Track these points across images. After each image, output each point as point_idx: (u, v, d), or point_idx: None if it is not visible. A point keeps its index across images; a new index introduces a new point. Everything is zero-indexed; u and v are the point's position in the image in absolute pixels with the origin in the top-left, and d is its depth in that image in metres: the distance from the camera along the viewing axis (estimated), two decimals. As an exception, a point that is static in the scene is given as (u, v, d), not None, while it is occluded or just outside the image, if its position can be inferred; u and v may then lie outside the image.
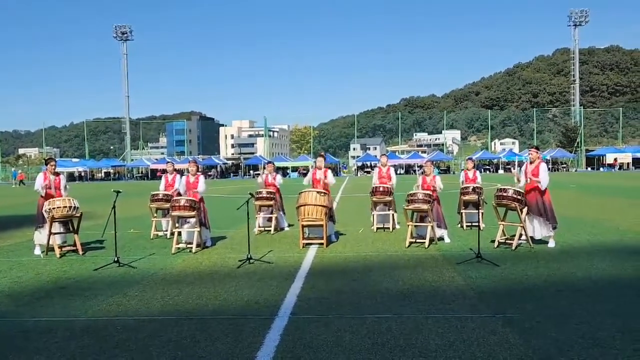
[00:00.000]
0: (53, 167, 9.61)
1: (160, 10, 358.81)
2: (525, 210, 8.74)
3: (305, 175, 12.19)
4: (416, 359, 4.02)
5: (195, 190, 9.68)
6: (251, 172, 67.80)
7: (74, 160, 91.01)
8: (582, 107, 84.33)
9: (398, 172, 59.63)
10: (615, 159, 67.85)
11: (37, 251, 9.29)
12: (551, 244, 8.88)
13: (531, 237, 8.82)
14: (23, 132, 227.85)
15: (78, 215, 9.19)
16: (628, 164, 66.33)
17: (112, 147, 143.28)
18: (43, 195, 9.33)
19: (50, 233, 8.92)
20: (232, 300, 5.89)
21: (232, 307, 5.63)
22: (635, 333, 4.53)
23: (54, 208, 8.89)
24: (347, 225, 12.12)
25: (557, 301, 5.62)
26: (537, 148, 9.50)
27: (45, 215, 8.97)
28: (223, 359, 4.13)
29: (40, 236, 9.30)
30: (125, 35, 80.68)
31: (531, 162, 9.21)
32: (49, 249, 9.05)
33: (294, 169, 68.36)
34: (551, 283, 6.40)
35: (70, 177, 65.47)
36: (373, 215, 11.57)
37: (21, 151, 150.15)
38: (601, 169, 66.14)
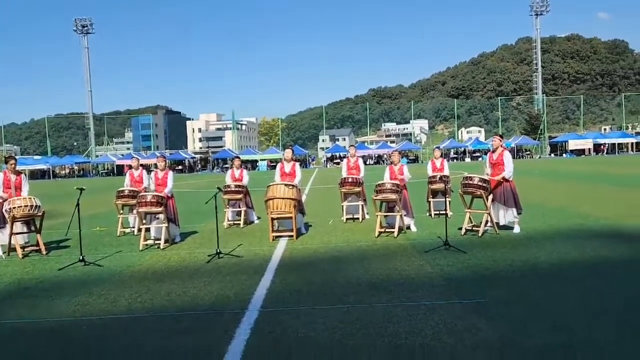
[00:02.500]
0: (13, 165, 9.32)
1: (123, 3, 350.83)
2: (490, 197, 8.91)
3: (273, 167, 12.17)
4: (386, 347, 4.06)
5: (165, 191, 9.53)
6: (220, 165, 67.10)
7: (36, 157, 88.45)
8: (544, 95, 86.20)
9: (367, 162, 60.02)
10: (602, 145, 69.32)
11: (-1, 252, 9.02)
12: (516, 229, 9.08)
13: (497, 224, 9.00)
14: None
15: (40, 214, 8.95)
16: (589, 149, 68.22)
17: (75, 144, 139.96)
18: (3, 198, 9.03)
19: (12, 233, 8.67)
20: (201, 296, 5.84)
21: (202, 303, 5.58)
22: (594, 312, 4.69)
23: (14, 207, 8.63)
24: (317, 217, 12.14)
25: (522, 285, 5.76)
26: (500, 136, 9.66)
27: (6, 215, 8.71)
28: (194, 354, 4.09)
29: (1, 237, 9.03)
30: (86, 28, 78.61)
31: (494, 150, 9.38)
32: (10, 249, 8.79)
33: (263, 160, 67.99)
34: (516, 268, 6.55)
35: (32, 175, 63.67)
36: (343, 206, 11.62)
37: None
38: (564, 155, 67.86)
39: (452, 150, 70.31)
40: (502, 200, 8.99)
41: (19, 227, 8.96)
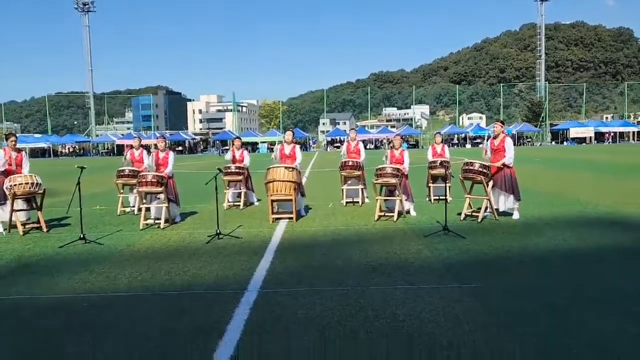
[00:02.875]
0: (14, 142, 9.31)
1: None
2: (490, 183, 8.92)
3: (272, 150, 12.15)
4: (384, 330, 4.10)
5: (165, 171, 9.55)
6: (218, 147, 66.95)
7: (36, 135, 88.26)
8: (547, 82, 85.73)
9: (367, 146, 59.92)
10: (607, 133, 69.07)
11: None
12: (515, 216, 9.10)
13: (496, 210, 9.02)
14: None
15: (41, 191, 8.96)
16: (590, 137, 68.05)
17: (75, 123, 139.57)
18: (2, 172, 9.03)
19: (13, 210, 8.69)
20: (201, 276, 5.88)
21: (201, 282, 5.62)
22: (589, 299, 4.73)
23: (15, 185, 8.64)
24: (317, 200, 12.16)
25: (519, 271, 5.79)
26: (502, 122, 9.64)
27: (7, 192, 8.72)
28: (193, 333, 4.13)
29: (2, 213, 9.05)
30: (87, 6, 77.83)
31: (495, 137, 9.36)
32: (11, 226, 8.83)
33: (263, 142, 67.85)
34: (515, 254, 6.58)
35: (33, 154, 63.61)
36: (343, 189, 11.63)
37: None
38: (565, 142, 67.74)
39: (455, 135, 70.08)
40: (502, 187, 9.00)
41: (19, 204, 8.98)
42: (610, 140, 67.97)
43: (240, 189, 11.58)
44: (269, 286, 5.40)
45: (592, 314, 4.34)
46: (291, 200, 9.41)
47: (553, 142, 70.76)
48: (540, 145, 66.56)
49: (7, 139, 9.36)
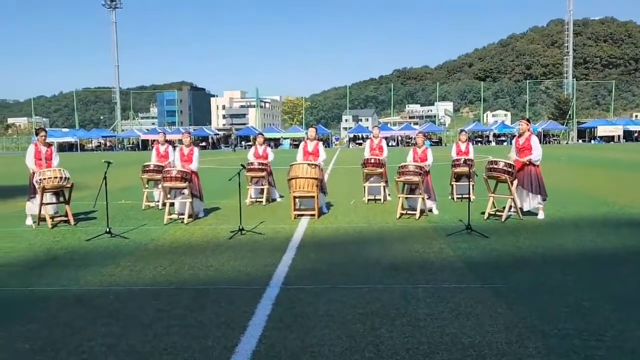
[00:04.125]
0: (44, 137, 9.51)
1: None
2: (515, 182, 8.80)
3: (297, 146, 12.18)
4: (405, 328, 4.10)
5: (189, 166, 9.65)
6: (242, 143, 67.32)
7: (64, 130, 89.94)
8: (575, 79, 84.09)
9: (390, 144, 59.61)
10: (639, 132, 67.45)
11: (29, 221, 9.28)
12: (540, 215, 8.98)
13: (520, 209, 8.91)
14: (12, 102, 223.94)
15: (69, 185, 9.16)
16: (619, 136, 66.59)
17: (102, 117, 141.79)
18: (34, 169, 9.22)
19: (42, 203, 8.90)
20: (224, 271, 5.95)
21: (224, 278, 5.68)
22: (617, 301, 4.64)
23: (44, 179, 8.84)
24: (339, 197, 12.17)
25: (544, 272, 5.72)
26: (527, 120, 9.50)
27: (36, 185, 8.93)
28: (215, 328, 4.19)
29: (32, 206, 9.27)
30: (114, 2, 78.86)
31: (520, 135, 9.23)
32: (40, 219, 9.04)
33: (286, 139, 68.05)
34: (539, 254, 6.50)
35: (60, 148, 64.88)
36: (364, 186, 11.62)
37: (10, 121, 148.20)
38: (592, 141, 66.41)
39: (481, 133, 69.25)
40: (527, 186, 8.88)
41: (48, 197, 9.19)
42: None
43: (263, 185, 11.64)
44: (290, 282, 5.44)
45: (618, 316, 4.27)
46: (313, 197, 9.44)
47: (580, 141, 69.43)
48: (567, 143, 65.39)
49: (37, 134, 9.58)
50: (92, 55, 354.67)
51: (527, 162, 8.88)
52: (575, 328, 4.04)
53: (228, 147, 65.01)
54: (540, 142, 9.29)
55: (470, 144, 12.08)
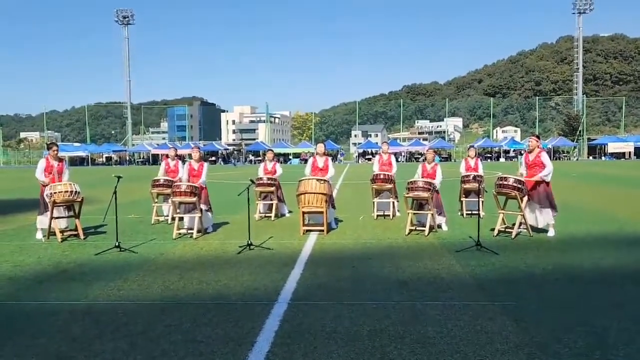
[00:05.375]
0: (55, 152, 9.59)
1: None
2: (525, 199, 8.75)
3: (306, 162, 12.19)
4: (414, 346, 4.06)
5: (199, 181, 9.69)
6: (241, 158, 67.57)
7: (76, 144, 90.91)
8: (584, 95, 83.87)
9: (399, 159, 59.58)
10: None
11: (39, 235, 9.33)
12: (551, 232, 8.90)
13: (531, 226, 8.84)
14: (24, 116, 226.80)
15: (79, 200, 9.22)
16: (630, 152, 66.13)
17: (113, 132, 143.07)
18: (44, 183, 9.30)
19: (52, 217, 8.95)
20: (232, 286, 5.94)
21: (232, 293, 5.67)
22: (631, 321, 4.56)
23: (55, 192, 8.91)
24: (348, 212, 12.15)
25: (554, 289, 5.65)
26: (537, 137, 9.47)
27: (47, 199, 8.99)
28: (223, 343, 4.17)
29: (42, 220, 9.33)
30: (127, 19, 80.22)
31: (530, 151, 9.20)
32: (50, 233, 9.09)
33: (296, 155, 68.28)
34: (549, 272, 6.43)
35: (71, 162, 65.46)
36: (374, 202, 11.59)
37: (23, 135, 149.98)
38: (603, 157, 65.97)
39: (491, 149, 69.04)
40: (538, 202, 8.82)
41: (59, 211, 9.25)
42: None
43: (272, 200, 11.66)
44: (299, 298, 5.42)
45: (630, 335, 4.20)
46: (322, 212, 9.43)
47: (590, 157, 69.00)
48: (577, 160, 64.99)
49: (49, 149, 9.67)
50: (104, 71, 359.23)
51: (539, 179, 8.82)
52: (586, 346, 3.98)
53: (229, 163, 65.28)
54: (550, 159, 9.23)
55: (479, 159, 12.05)
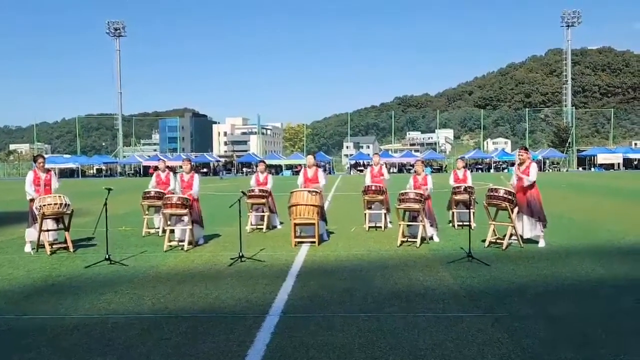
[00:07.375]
0: (42, 164, 9.52)
1: (153, 5, 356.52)
2: (515, 210, 8.80)
3: (297, 173, 12.19)
4: (406, 358, 4.05)
5: (190, 192, 9.67)
6: (244, 169, 67.53)
7: (66, 156, 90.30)
8: (574, 107, 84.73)
9: (391, 170, 59.73)
10: (639, 160, 67.66)
11: (28, 248, 9.24)
12: (541, 243, 8.95)
13: (521, 237, 8.89)
14: (14, 128, 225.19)
15: (69, 212, 9.15)
16: (619, 164, 66.76)
17: (104, 144, 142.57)
18: (33, 196, 9.22)
19: (41, 230, 8.88)
20: (223, 299, 5.91)
21: (223, 305, 5.64)
22: (622, 333, 4.59)
23: (44, 205, 8.85)
24: (339, 224, 12.14)
25: (546, 301, 5.67)
26: (525, 149, 9.54)
27: (36, 212, 8.92)
28: (214, 357, 4.14)
29: (31, 233, 9.25)
30: (118, 31, 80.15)
31: (521, 164, 9.26)
32: (39, 245, 9.01)
33: (288, 167, 68.27)
34: (540, 283, 6.46)
35: (62, 174, 64.99)
36: (365, 214, 11.60)
37: (12, 147, 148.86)
38: (592, 169, 66.53)
39: (482, 160, 69.48)
40: (528, 213, 8.88)
41: (48, 224, 9.17)
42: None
43: (264, 212, 11.64)
44: (290, 310, 5.40)
45: (621, 347, 4.22)
46: (314, 224, 9.42)
47: (580, 168, 69.57)
48: (567, 170, 65.50)
49: (35, 161, 9.60)
50: (95, 82, 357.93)
51: (525, 186, 8.91)
52: (577, 358, 3.99)
53: (217, 175, 65.02)
54: (540, 170, 9.32)
55: (468, 171, 12.13)
